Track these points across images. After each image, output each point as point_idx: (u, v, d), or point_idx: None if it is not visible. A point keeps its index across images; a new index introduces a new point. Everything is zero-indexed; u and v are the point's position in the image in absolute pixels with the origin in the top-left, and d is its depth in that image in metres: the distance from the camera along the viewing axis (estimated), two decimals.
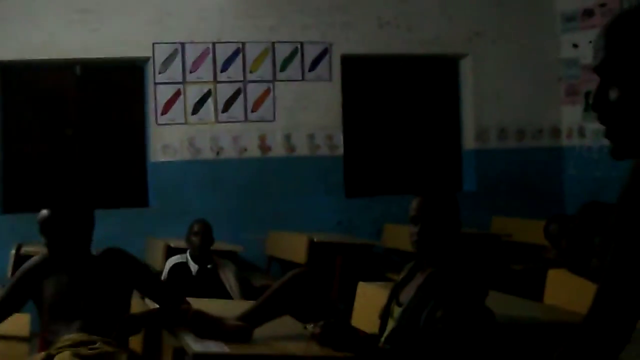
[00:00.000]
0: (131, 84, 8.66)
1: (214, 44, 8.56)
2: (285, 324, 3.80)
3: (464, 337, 3.30)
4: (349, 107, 9.00)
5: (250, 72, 8.64)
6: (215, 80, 8.56)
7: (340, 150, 8.86)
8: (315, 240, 7.56)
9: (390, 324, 3.58)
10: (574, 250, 5.00)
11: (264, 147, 8.66)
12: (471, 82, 9.27)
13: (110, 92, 8.63)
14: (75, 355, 3.79)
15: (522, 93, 9.29)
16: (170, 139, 8.44)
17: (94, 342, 3.90)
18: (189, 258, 6.62)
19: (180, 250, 6.82)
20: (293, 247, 7.77)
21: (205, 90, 8.52)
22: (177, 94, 8.46)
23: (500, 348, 3.54)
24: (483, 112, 9.24)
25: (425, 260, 3.59)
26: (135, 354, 4.10)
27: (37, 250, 7.13)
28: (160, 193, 8.45)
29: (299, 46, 8.76)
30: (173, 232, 7.75)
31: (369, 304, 4.50)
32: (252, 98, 8.63)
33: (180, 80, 8.47)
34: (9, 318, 4.17)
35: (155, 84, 8.42)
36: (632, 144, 1.67)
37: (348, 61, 8.97)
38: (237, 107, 8.60)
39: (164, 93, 8.44)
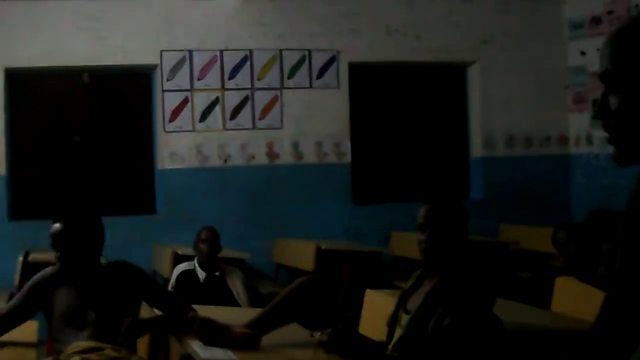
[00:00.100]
0: (139, 92, 8.68)
1: (221, 51, 8.57)
2: (293, 332, 3.80)
3: (472, 345, 3.30)
4: (357, 115, 9.00)
5: (258, 79, 8.65)
6: (223, 88, 8.57)
7: (348, 158, 8.86)
8: (322, 247, 7.56)
9: (398, 332, 3.58)
10: (582, 258, 4.99)
11: (271, 155, 8.67)
12: (479, 90, 9.26)
13: (118, 99, 8.65)
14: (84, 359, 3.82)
15: (530, 100, 9.28)
16: (177, 146, 8.45)
17: (103, 349, 3.92)
18: (196, 265, 6.63)
19: (188, 258, 6.83)
20: (300, 254, 7.77)
21: (213, 98, 8.53)
22: (185, 101, 8.47)
23: (508, 356, 3.53)
24: (491, 120, 9.23)
25: (433, 268, 3.58)
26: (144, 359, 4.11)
27: (44, 257, 7.16)
28: (168, 200, 8.46)
29: (306, 54, 8.77)
30: (180, 240, 7.76)
31: (376, 311, 4.50)
32: (259, 105, 8.64)
33: (188, 87, 8.49)
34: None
35: (163, 91, 8.44)
36: (634, 151, 1.69)
37: (356, 69, 8.97)
38: (245, 115, 8.61)
39: (172, 100, 8.45)
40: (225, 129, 8.56)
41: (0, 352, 4.09)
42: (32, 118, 8.40)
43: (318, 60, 8.79)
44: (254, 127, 8.63)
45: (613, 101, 1.70)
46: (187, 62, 8.48)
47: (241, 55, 8.62)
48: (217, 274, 6.58)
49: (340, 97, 8.85)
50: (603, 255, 4.56)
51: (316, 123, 8.74)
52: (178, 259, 7.10)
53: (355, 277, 7.57)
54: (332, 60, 8.81)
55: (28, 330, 4.26)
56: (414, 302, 3.57)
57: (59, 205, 8.33)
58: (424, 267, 3.68)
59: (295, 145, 8.72)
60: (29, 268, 7.30)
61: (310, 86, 8.78)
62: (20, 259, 7.25)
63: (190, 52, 8.50)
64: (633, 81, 1.67)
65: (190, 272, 6.60)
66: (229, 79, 8.58)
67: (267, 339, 3.66)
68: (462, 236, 3.56)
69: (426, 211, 3.56)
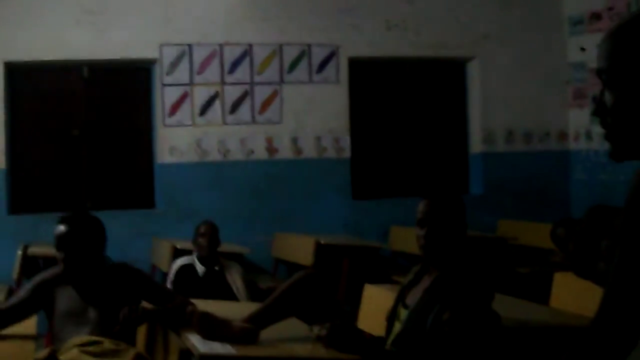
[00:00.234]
0: (138, 86, 8.67)
1: (221, 45, 8.57)
2: (292, 326, 3.80)
3: (471, 340, 3.30)
4: (356, 110, 9.00)
5: (258, 74, 8.65)
6: (223, 82, 8.56)
7: (347, 153, 8.86)
8: (321, 242, 7.57)
9: (397, 327, 3.58)
10: (581, 254, 4.98)
11: (271, 149, 8.67)
12: (478, 85, 9.26)
13: (117, 93, 8.65)
14: (83, 352, 3.83)
15: (530, 96, 9.28)
16: (177, 140, 8.45)
17: (101, 343, 3.94)
18: (195, 260, 6.62)
19: (187, 252, 6.83)
20: (299, 249, 7.77)
21: (212, 92, 8.53)
22: (185, 95, 8.47)
23: (507, 351, 3.54)
24: (490, 115, 9.24)
25: (432, 263, 3.58)
26: (143, 353, 4.11)
27: (43, 251, 7.17)
28: (167, 195, 8.46)
29: (306, 48, 8.77)
30: (179, 234, 7.77)
31: (375, 306, 4.51)
32: (259, 100, 8.64)
33: (188, 82, 8.48)
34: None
35: (163, 85, 8.43)
36: (629, 147, 1.71)
37: (355, 64, 8.97)
38: (245, 109, 8.61)
39: (171, 95, 8.45)
40: (224, 123, 8.56)
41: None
42: (32, 112, 8.40)
43: (318, 55, 8.79)
44: (254, 121, 8.63)
45: (609, 98, 1.73)
46: (187, 57, 8.48)
47: (241, 49, 8.62)
48: (216, 268, 6.58)
49: (340, 92, 8.85)
50: (602, 251, 4.55)
51: (316, 118, 8.75)
52: (177, 253, 7.10)
53: (354, 272, 7.58)
54: (331, 55, 8.81)
55: (27, 323, 4.28)
56: (413, 297, 3.57)
57: (58, 199, 8.34)
58: (423, 262, 3.68)
59: (295, 140, 8.72)
60: (28, 262, 7.31)
61: (310, 81, 8.78)
62: (19, 252, 7.25)
63: (190, 46, 8.49)
64: (628, 78, 1.69)
65: (189, 267, 6.60)
66: (229, 73, 8.58)
67: (265, 334, 3.66)
68: (461, 231, 3.56)
69: (425, 206, 3.56)
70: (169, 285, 6.51)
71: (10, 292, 6.89)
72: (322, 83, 8.80)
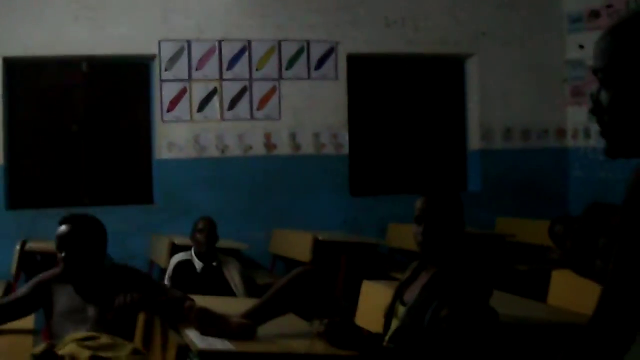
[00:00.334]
0: (137, 82, 8.67)
1: (220, 42, 8.56)
2: (290, 322, 3.80)
3: (468, 337, 3.30)
4: (355, 107, 9.00)
5: (257, 70, 8.65)
6: (221, 79, 8.56)
7: (346, 150, 8.86)
8: (320, 239, 7.57)
9: (395, 324, 3.59)
10: (579, 251, 5.00)
11: (269, 146, 8.67)
12: (477, 83, 9.26)
13: (116, 89, 8.64)
14: (80, 346, 3.85)
15: (528, 94, 9.28)
16: (175, 136, 8.44)
17: (99, 338, 3.95)
18: (193, 256, 6.63)
19: (185, 248, 6.83)
20: (298, 245, 7.77)
21: (211, 88, 8.53)
22: (183, 91, 8.47)
23: (504, 348, 3.54)
24: (489, 113, 9.24)
25: (430, 260, 3.59)
26: (140, 348, 4.12)
27: (41, 246, 7.17)
28: (166, 190, 8.46)
29: (305, 45, 8.77)
30: (178, 230, 7.77)
31: (373, 303, 4.51)
32: (258, 96, 8.64)
33: (186, 78, 8.48)
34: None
35: (161, 81, 8.43)
36: (625, 145, 1.72)
37: (354, 60, 8.97)
38: (243, 106, 8.61)
39: (170, 91, 8.45)
40: (223, 119, 8.55)
41: None
42: (31, 107, 8.39)
43: (317, 52, 8.79)
44: (252, 117, 8.63)
45: (605, 97, 1.74)
46: (186, 53, 8.48)
47: (240, 45, 8.62)
48: (214, 264, 6.58)
49: (339, 88, 8.85)
50: (600, 248, 4.57)
51: (314, 114, 8.75)
52: (175, 249, 7.10)
53: (352, 269, 7.58)
54: (330, 51, 8.81)
55: (25, 318, 4.30)
56: (411, 294, 3.57)
57: (57, 194, 8.34)
58: (421, 259, 3.68)
59: (293, 137, 8.72)
60: (27, 257, 7.32)
61: (309, 77, 8.78)
62: (18, 248, 7.25)
63: (189, 42, 8.49)
64: (624, 78, 1.71)
65: (188, 263, 6.61)
66: (228, 69, 8.58)
67: (263, 330, 3.66)
68: (458, 229, 3.56)
69: (423, 204, 3.56)
70: (166, 281, 6.52)
71: (9, 288, 6.91)
72: (321, 79, 8.80)
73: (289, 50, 8.73)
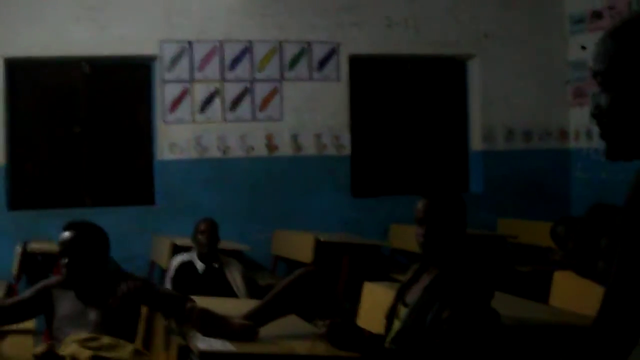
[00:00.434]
0: (139, 82, 8.67)
1: (221, 42, 8.56)
2: (291, 323, 3.80)
3: (470, 338, 3.30)
4: (357, 107, 9.00)
5: (258, 71, 8.65)
6: (223, 79, 8.56)
7: (348, 150, 8.86)
8: (321, 239, 7.56)
9: (396, 325, 3.58)
10: (581, 252, 5.00)
11: (271, 147, 8.66)
12: (479, 84, 9.26)
13: (117, 90, 8.64)
14: (81, 347, 3.86)
15: (530, 95, 9.28)
16: (177, 137, 8.44)
17: (99, 338, 3.96)
18: (195, 257, 6.62)
19: (186, 249, 6.83)
20: (299, 246, 7.77)
21: (212, 89, 8.53)
22: (185, 92, 8.46)
23: (506, 349, 3.54)
24: (490, 114, 9.23)
25: (432, 261, 3.58)
26: (141, 349, 4.12)
27: (43, 247, 7.18)
28: (167, 191, 8.46)
29: (306, 46, 8.76)
30: (179, 231, 7.76)
31: (375, 304, 4.50)
32: (259, 97, 8.64)
33: (188, 78, 8.48)
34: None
35: (163, 82, 8.43)
36: (624, 147, 1.72)
37: (356, 61, 8.96)
38: (245, 106, 8.60)
39: (172, 91, 8.45)
40: (224, 120, 8.55)
41: None
42: (32, 108, 8.40)
43: (318, 52, 8.79)
44: (254, 118, 8.62)
45: (605, 99, 1.75)
46: (187, 53, 8.47)
47: (241, 46, 8.62)
48: (215, 265, 6.58)
49: (340, 89, 8.84)
50: (602, 249, 4.56)
51: (316, 115, 8.74)
52: (176, 249, 7.10)
53: (354, 270, 7.57)
54: (332, 52, 8.81)
55: None
56: (413, 295, 3.57)
57: (58, 195, 8.34)
58: (422, 261, 3.68)
59: (295, 137, 8.71)
60: (28, 258, 7.32)
61: (310, 78, 8.77)
62: (19, 248, 7.25)
63: (191, 43, 8.49)
64: (624, 80, 1.72)
65: (189, 264, 6.60)
66: (229, 70, 8.58)
67: (265, 331, 3.66)
68: (460, 230, 3.56)
69: (424, 205, 3.55)
70: (168, 282, 6.51)
71: (10, 288, 6.91)
72: (323, 80, 8.79)
73: (290, 51, 8.73)
